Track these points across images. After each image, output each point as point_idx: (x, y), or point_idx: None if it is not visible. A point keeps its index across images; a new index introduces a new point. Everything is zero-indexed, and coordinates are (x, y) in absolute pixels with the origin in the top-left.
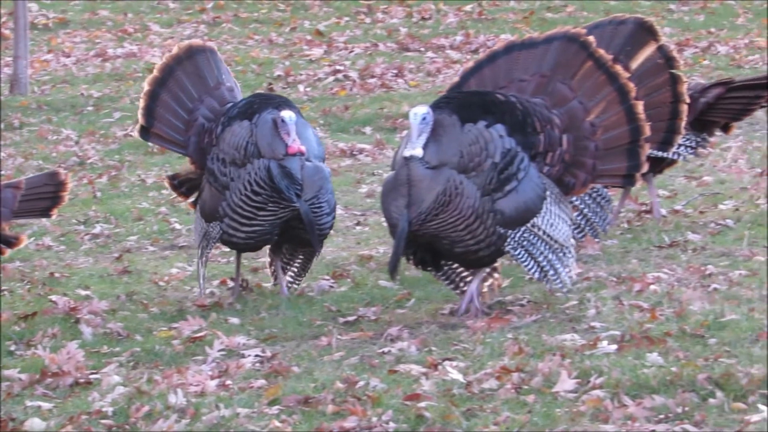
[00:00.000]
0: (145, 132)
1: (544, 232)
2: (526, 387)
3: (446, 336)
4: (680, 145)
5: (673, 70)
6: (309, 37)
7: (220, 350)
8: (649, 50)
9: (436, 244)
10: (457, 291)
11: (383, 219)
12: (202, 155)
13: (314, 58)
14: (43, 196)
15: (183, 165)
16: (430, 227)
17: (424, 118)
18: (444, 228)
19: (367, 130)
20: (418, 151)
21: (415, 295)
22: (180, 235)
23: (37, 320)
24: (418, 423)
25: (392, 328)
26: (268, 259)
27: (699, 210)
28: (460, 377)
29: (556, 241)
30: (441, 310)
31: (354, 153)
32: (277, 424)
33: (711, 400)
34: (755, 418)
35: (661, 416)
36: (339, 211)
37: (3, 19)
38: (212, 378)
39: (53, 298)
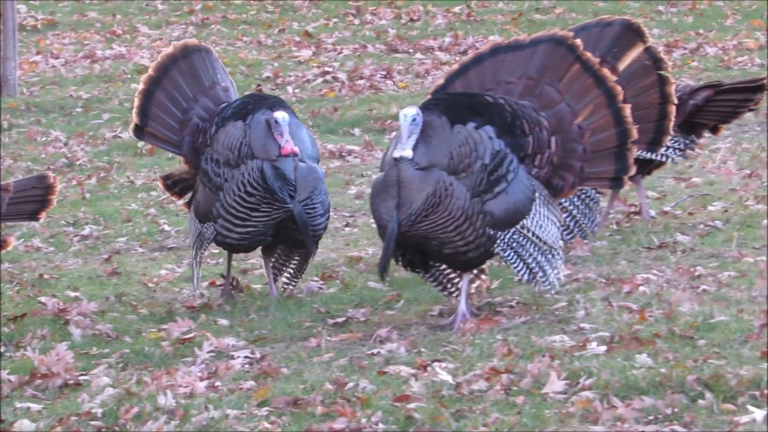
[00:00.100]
0: (140, 131)
1: (533, 234)
2: (515, 388)
3: (435, 337)
4: (669, 147)
5: (660, 72)
6: (298, 39)
7: (209, 352)
8: (636, 52)
9: (426, 245)
10: (445, 292)
11: (372, 220)
12: (196, 155)
13: (303, 59)
14: (32, 200)
15: (176, 165)
16: (420, 228)
17: (413, 120)
18: (433, 229)
19: (356, 131)
20: (408, 153)
21: (404, 296)
22: (169, 236)
23: (27, 322)
24: (408, 424)
25: (381, 330)
26: (263, 260)
27: (688, 211)
28: (449, 378)
29: (545, 243)
30: (430, 311)
31: (343, 154)
32: (267, 425)
33: (700, 402)
34: (744, 419)
35: (651, 417)
36: None
37: None
38: (201, 379)
39: (42, 299)
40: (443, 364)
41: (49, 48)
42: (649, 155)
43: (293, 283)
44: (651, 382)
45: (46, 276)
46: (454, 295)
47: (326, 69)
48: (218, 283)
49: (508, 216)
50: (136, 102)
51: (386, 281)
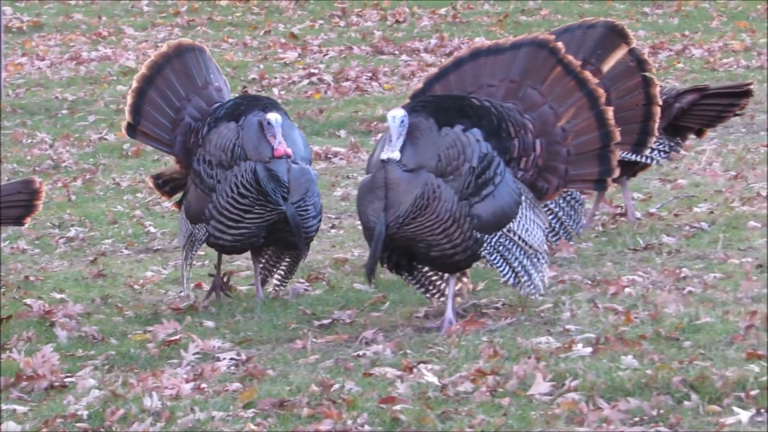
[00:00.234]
0: (132, 129)
1: (520, 237)
2: (501, 390)
3: (421, 339)
4: (654, 149)
5: (645, 73)
6: (283, 41)
7: (195, 353)
8: (620, 53)
9: (413, 247)
10: (427, 294)
11: (358, 222)
12: (188, 155)
13: (289, 61)
14: (17, 204)
15: (168, 165)
16: (408, 231)
17: (401, 121)
18: (421, 231)
19: (342, 133)
20: (396, 154)
21: (390, 298)
22: (155, 238)
23: (12, 324)
24: (394, 426)
25: (367, 331)
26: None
27: (674, 213)
28: (435, 380)
29: (530, 247)
30: (416, 313)
31: (329, 156)
32: (252, 427)
33: (686, 403)
34: (730, 420)
35: (636, 419)
36: None
37: None
38: (187, 381)
39: (28, 301)
40: (429, 366)
41: (34, 50)
42: (634, 157)
43: (284, 284)
44: (637, 384)
45: (31, 278)
46: (436, 296)
47: (312, 71)
48: (204, 285)
49: (495, 219)
50: (129, 100)
51: (373, 283)
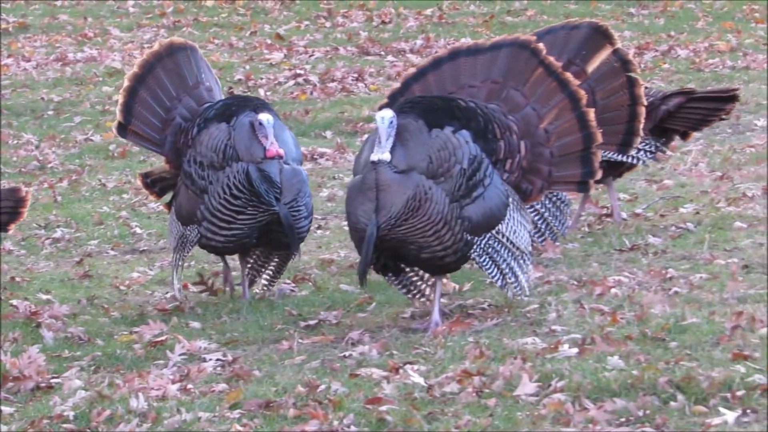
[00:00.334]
0: (123, 129)
1: (507, 239)
2: (487, 390)
3: (407, 340)
4: (640, 150)
5: (629, 73)
6: (269, 41)
7: (181, 354)
8: (604, 54)
9: (402, 249)
10: (409, 295)
11: (344, 223)
12: (178, 155)
13: (274, 62)
14: (3, 211)
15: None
16: (399, 232)
17: (390, 122)
18: (412, 233)
19: (328, 134)
20: (386, 156)
21: (376, 299)
22: (141, 239)
23: None
24: (380, 426)
25: (353, 332)
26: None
27: (660, 213)
28: (421, 381)
29: (517, 248)
30: (402, 313)
31: (315, 157)
32: (239, 428)
33: (672, 404)
34: (716, 421)
35: (622, 419)
36: None
37: None
38: (173, 382)
39: (14, 302)
40: (415, 367)
41: (20, 51)
42: (619, 157)
43: (273, 284)
44: (623, 384)
45: (17, 279)
46: (417, 297)
47: (298, 71)
48: (191, 286)
49: (485, 221)
50: (121, 99)
51: (365, 285)
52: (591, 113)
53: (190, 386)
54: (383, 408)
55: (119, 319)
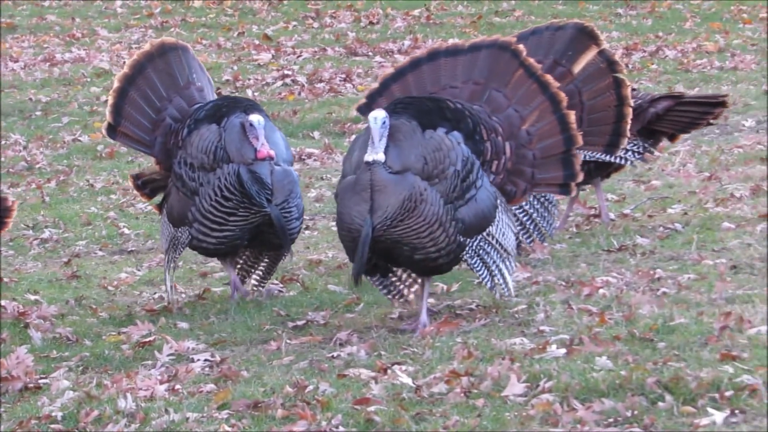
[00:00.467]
0: (112, 130)
1: (497, 241)
2: (475, 391)
3: (395, 340)
4: (628, 150)
5: (616, 74)
6: (257, 42)
7: (169, 355)
8: (590, 54)
9: (396, 250)
10: (389, 296)
11: (333, 223)
12: (168, 156)
13: (262, 62)
14: None
15: (148, 166)
16: (394, 233)
17: (383, 123)
18: (408, 234)
19: (316, 134)
20: (381, 156)
21: (364, 299)
22: (129, 239)
23: None
24: (368, 427)
25: (341, 333)
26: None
27: (648, 214)
28: (409, 381)
29: (505, 250)
30: (390, 314)
31: (303, 157)
32: (227, 428)
33: (660, 404)
34: (704, 421)
35: (611, 420)
36: None
37: None
38: (161, 382)
39: (2, 302)
40: (403, 367)
41: (8, 51)
42: (607, 158)
43: (263, 285)
44: (611, 385)
45: (5, 279)
46: (397, 298)
47: (286, 72)
48: (179, 287)
49: (477, 223)
50: (111, 100)
51: (359, 285)
52: (571, 115)
53: (178, 387)
54: (371, 408)
55: (107, 319)
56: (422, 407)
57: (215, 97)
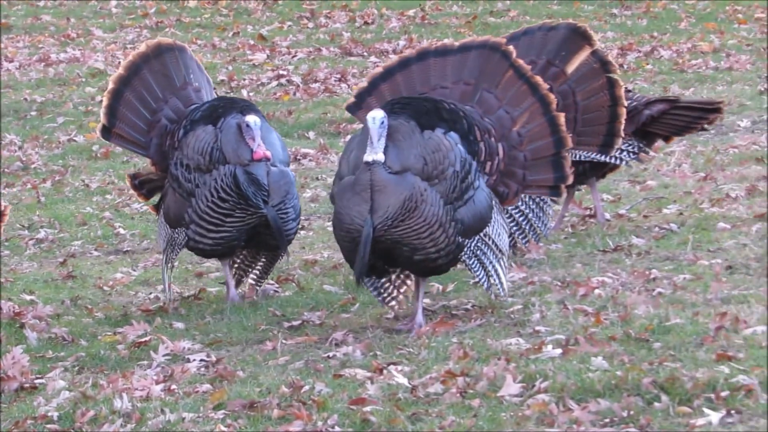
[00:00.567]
0: (107, 132)
1: (493, 241)
2: (471, 391)
3: (391, 340)
4: (623, 151)
5: (609, 74)
6: (252, 42)
7: (165, 355)
8: (584, 54)
9: (395, 251)
10: (379, 298)
11: (328, 224)
12: (164, 158)
13: (257, 62)
14: None
15: (144, 166)
16: (395, 234)
17: (382, 122)
18: (408, 234)
19: (311, 134)
20: (380, 156)
21: (359, 299)
22: (124, 239)
23: None
24: (364, 427)
25: (337, 333)
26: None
27: (643, 214)
28: (405, 381)
29: (500, 250)
30: (386, 314)
31: (298, 158)
32: (223, 428)
33: (656, 404)
34: (700, 421)
35: (606, 420)
36: None
37: None
38: (157, 383)
39: None
40: (399, 367)
41: (3, 51)
42: (602, 158)
43: (260, 284)
44: (607, 385)
45: (1, 279)
46: (387, 301)
47: (281, 72)
48: (175, 287)
49: (475, 223)
50: (105, 102)
51: (361, 285)
52: (561, 117)
53: (174, 387)
54: (367, 408)
55: (103, 319)
56: (418, 407)
57: (214, 97)
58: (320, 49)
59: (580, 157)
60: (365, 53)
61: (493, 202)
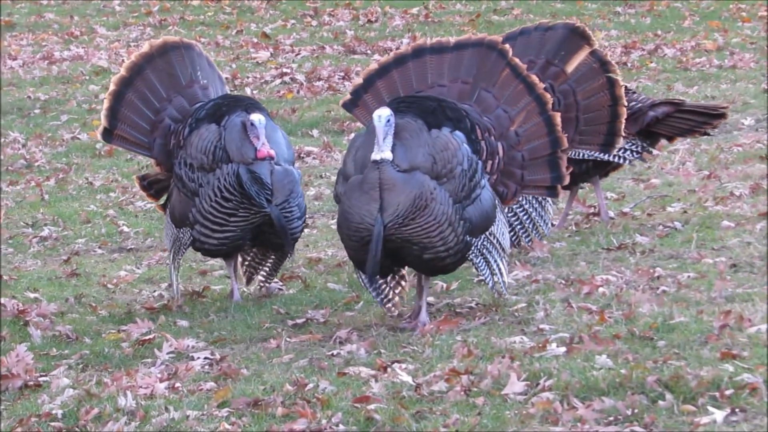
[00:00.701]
0: (108, 134)
1: (497, 240)
2: (475, 389)
3: (395, 338)
4: (626, 150)
5: (609, 74)
6: (255, 40)
7: (169, 353)
8: (583, 54)
9: (405, 250)
10: (378, 299)
11: (332, 222)
12: (168, 157)
13: (261, 60)
14: None
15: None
16: (405, 232)
17: (388, 121)
18: (418, 233)
19: (315, 132)
20: (388, 155)
21: (363, 297)
22: (128, 237)
23: None
24: (368, 425)
25: (341, 331)
26: (240, 258)
27: (647, 212)
28: (409, 379)
29: (503, 248)
30: (389, 312)
31: (302, 156)
32: (227, 426)
33: (660, 403)
34: (705, 420)
35: (611, 418)
36: None
37: None
38: (161, 380)
39: (2, 300)
40: (403, 365)
41: (6, 49)
42: (605, 157)
43: (269, 282)
44: (611, 383)
45: (5, 277)
46: (385, 302)
47: (284, 70)
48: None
49: (481, 222)
50: (106, 104)
51: (374, 284)
52: (557, 117)
53: (178, 385)
54: (371, 406)
55: (107, 317)
56: (422, 405)
57: (226, 93)
58: (324, 47)
59: (582, 155)
60: (369, 51)
61: (497, 201)
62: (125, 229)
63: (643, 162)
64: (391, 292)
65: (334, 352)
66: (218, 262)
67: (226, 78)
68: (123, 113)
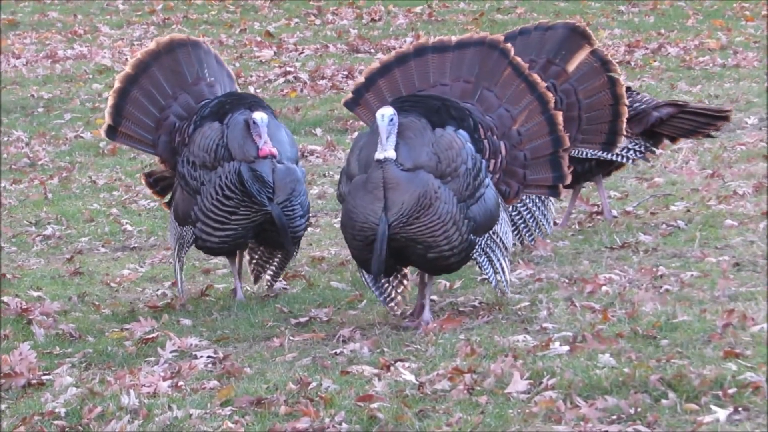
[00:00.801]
0: (112, 131)
1: (500, 239)
2: (478, 388)
3: (398, 337)
4: (629, 149)
5: (610, 73)
6: (259, 39)
7: (172, 351)
8: (583, 54)
9: (409, 249)
10: (381, 298)
11: (335, 221)
12: (173, 155)
13: (264, 59)
14: None
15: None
16: (409, 231)
17: (391, 120)
18: (423, 232)
19: (318, 131)
20: (392, 153)
21: (367, 296)
22: (131, 236)
23: None
24: (371, 424)
25: (344, 330)
26: (247, 257)
27: (650, 211)
28: (412, 378)
29: (506, 247)
30: (392, 311)
31: (305, 154)
32: (230, 425)
33: (663, 401)
34: (708, 418)
35: (614, 417)
36: None
37: None
38: (165, 379)
39: (5, 299)
40: (406, 364)
41: (10, 48)
42: (604, 155)
43: (276, 280)
44: (614, 382)
45: (8, 276)
46: (387, 301)
47: (288, 69)
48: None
49: (485, 221)
50: (110, 101)
51: (379, 283)
52: (559, 116)
53: (181, 383)
54: (374, 405)
55: (110, 316)
56: (425, 404)
57: (233, 91)
58: (327, 46)
59: (585, 154)
60: (372, 50)
61: (500, 200)
62: (128, 227)
63: (646, 161)
64: (394, 291)
65: (337, 350)
66: (221, 260)
67: None
68: (128, 110)
